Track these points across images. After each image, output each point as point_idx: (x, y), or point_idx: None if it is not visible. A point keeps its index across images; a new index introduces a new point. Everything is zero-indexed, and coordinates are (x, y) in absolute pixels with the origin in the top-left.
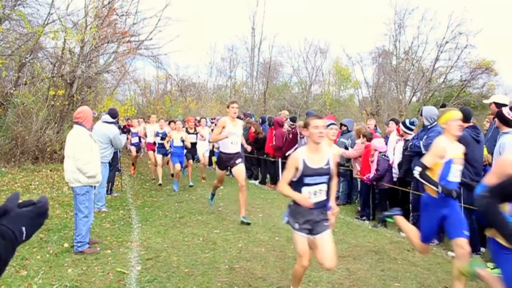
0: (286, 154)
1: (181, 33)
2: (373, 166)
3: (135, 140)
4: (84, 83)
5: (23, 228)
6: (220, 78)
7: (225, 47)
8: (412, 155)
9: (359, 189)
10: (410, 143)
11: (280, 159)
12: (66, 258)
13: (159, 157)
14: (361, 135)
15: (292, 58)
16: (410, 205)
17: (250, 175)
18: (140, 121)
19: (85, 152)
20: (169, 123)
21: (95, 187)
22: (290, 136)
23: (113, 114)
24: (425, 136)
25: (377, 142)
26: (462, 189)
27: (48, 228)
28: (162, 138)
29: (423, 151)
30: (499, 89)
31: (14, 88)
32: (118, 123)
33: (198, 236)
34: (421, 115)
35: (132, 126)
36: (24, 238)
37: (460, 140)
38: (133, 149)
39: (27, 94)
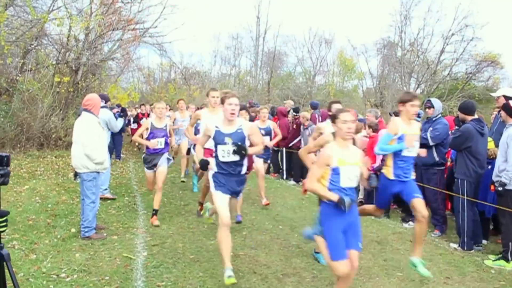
0: (290, 144)
1: (185, 21)
2: (379, 156)
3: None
4: (89, 70)
5: None
6: (224, 66)
7: (230, 36)
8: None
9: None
10: None
11: (284, 149)
12: (74, 243)
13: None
14: (366, 127)
15: (297, 48)
16: None
17: None
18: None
19: (93, 139)
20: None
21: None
22: (294, 126)
23: (105, 98)
24: (431, 128)
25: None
26: (465, 182)
27: (55, 214)
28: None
29: (431, 143)
30: (504, 83)
31: (19, 75)
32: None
33: (203, 224)
34: (426, 107)
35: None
36: None
37: (464, 132)
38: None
39: (32, 81)
